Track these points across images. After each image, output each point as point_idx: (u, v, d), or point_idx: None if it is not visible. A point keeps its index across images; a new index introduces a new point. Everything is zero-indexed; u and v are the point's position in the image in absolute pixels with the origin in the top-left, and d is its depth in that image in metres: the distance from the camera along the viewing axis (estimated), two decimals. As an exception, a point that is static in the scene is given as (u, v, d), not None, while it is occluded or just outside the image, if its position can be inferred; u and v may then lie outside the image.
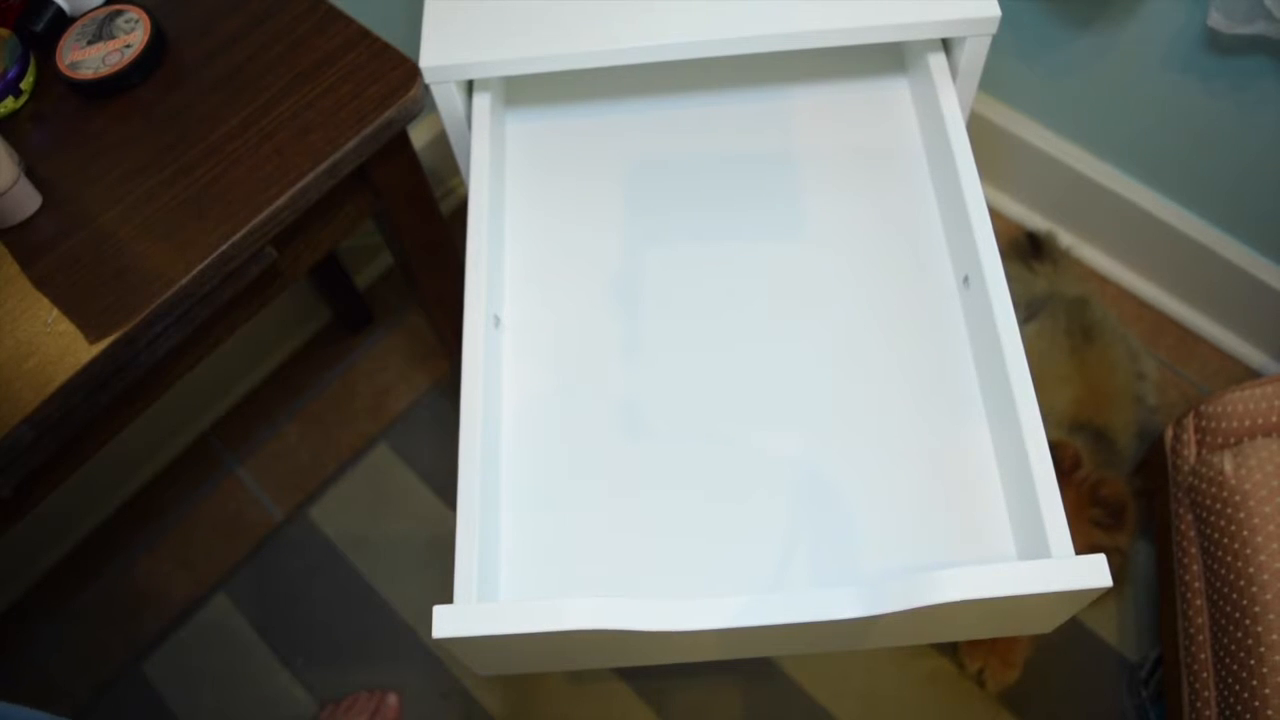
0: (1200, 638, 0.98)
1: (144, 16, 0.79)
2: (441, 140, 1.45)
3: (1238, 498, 0.92)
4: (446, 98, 0.82)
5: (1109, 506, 1.08)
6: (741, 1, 0.79)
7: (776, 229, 0.83)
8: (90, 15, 0.80)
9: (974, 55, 0.82)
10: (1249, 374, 1.36)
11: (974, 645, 1.18)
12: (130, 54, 0.78)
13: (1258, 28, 0.97)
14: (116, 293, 0.70)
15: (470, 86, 0.85)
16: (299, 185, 0.73)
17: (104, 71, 0.77)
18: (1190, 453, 1.03)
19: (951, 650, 1.22)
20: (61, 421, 0.71)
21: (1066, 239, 1.41)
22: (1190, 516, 1.02)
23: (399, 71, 0.77)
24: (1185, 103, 1.17)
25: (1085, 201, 1.38)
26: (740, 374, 0.77)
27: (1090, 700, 1.20)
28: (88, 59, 0.78)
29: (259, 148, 0.75)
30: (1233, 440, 0.99)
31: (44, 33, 0.79)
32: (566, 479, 0.73)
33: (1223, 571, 0.94)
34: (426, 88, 0.79)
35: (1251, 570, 0.89)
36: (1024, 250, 1.36)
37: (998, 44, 1.28)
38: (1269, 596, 0.87)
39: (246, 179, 0.74)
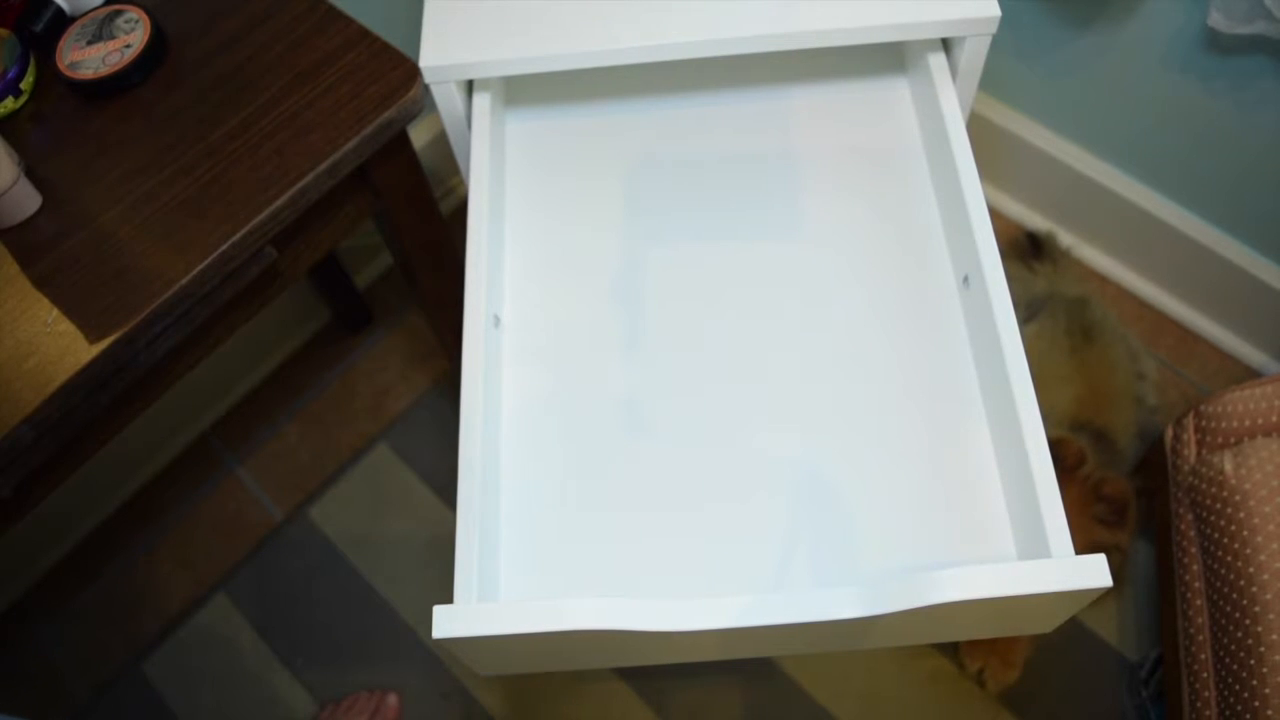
0: (1200, 638, 0.98)
1: (144, 16, 0.79)
2: (441, 140, 1.45)
3: (1238, 498, 0.92)
4: (446, 98, 0.82)
5: (1112, 503, 1.08)
6: (741, 1, 0.79)
7: (776, 229, 0.83)
8: (90, 15, 0.80)
9: (974, 55, 0.82)
10: (1249, 374, 1.36)
11: (974, 645, 1.18)
12: (130, 54, 0.78)
13: (1258, 28, 0.97)
14: (116, 293, 0.70)
15: (470, 86, 0.85)
16: (299, 185, 0.73)
17: (104, 71, 0.77)
18: (1190, 452, 1.03)
19: (951, 650, 1.22)
20: (61, 421, 0.71)
21: (1066, 239, 1.41)
22: (1190, 516, 1.02)
23: (399, 71, 0.77)
24: (1185, 103, 1.17)
25: (1085, 201, 1.38)
26: (740, 373, 0.77)
27: (1090, 700, 1.20)
28: (88, 59, 0.78)
29: (259, 148, 0.75)
30: (1233, 440, 0.99)
31: (44, 33, 0.79)
32: (566, 479, 0.73)
33: (1223, 571, 0.94)
34: (426, 88, 0.79)
35: (1251, 570, 0.89)
36: (1024, 250, 1.36)
37: (997, 44, 1.28)
38: (1269, 596, 0.87)
39: (246, 179, 0.74)
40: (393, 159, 0.83)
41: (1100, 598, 1.23)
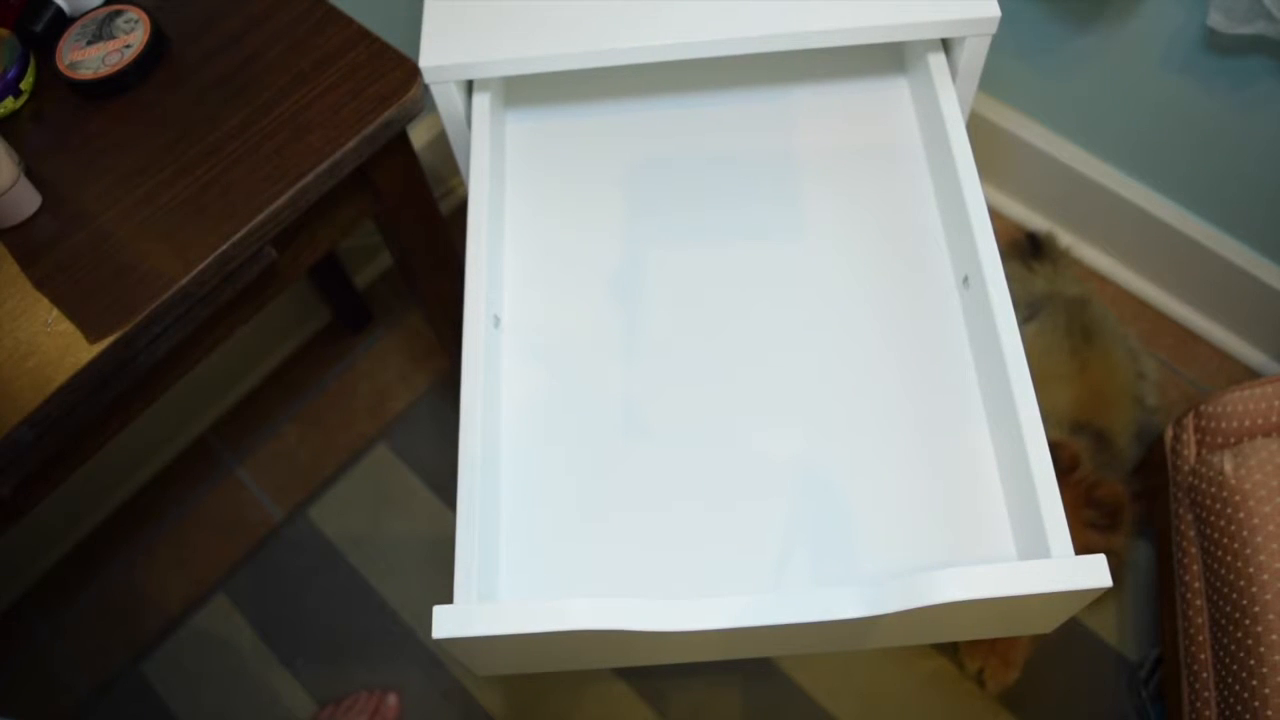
0: (1200, 638, 0.98)
1: (144, 16, 0.79)
2: (441, 140, 1.45)
3: (1238, 498, 0.92)
4: (446, 98, 0.82)
5: (1104, 508, 1.07)
6: (742, 1, 0.79)
7: (776, 229, 0.83)
8: (90, 15, 0.80)
9: (974, 55, 0.82)
10: (1249, 374, 1.36)
11: (974, 645, 1.18)
12: (130, 54, 0.78)
13: (1258, 28, 0.97)
14: (116, 293, 0.70)
15: (470, 86, 0.85)
16: (299, 185, 0.73)
17: (104, 71, 0.77)
18: (1190, 453, 1.03)
19: (951, 650, 1.22)
20: (61, 421, 0.71)
21: (1066, 239, 1.41)
22: (1190, 516, 1.02)
23: (399, 71, 0.77)
24: (1185, 103, 1.17)
25: (1085, 201, 1.38)
26: (740, 373, 0.77)
27: (1090, 700, 1.20)
28: (87, 59, 0.78)
29: (259, 148, 0.75)
30: (1233, 440, 0.99)
31: (44, 33, 0.79)
32: (566, 478, 0.73)
33: (1223, 571, 0.94)
34: (426, 88, 0.79)
35: (1251, 570, 0.89)
36: (1024, 250, 1.36)
37: (997, 44, 1.28)
38: (1269, 596, 0.87)
39: (246, 179, 0.74)
40: (393, 159, 0.83)
41: (1100, 598, 1.23)
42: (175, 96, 0.78)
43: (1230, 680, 0.91)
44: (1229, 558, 0.93)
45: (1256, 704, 0.86)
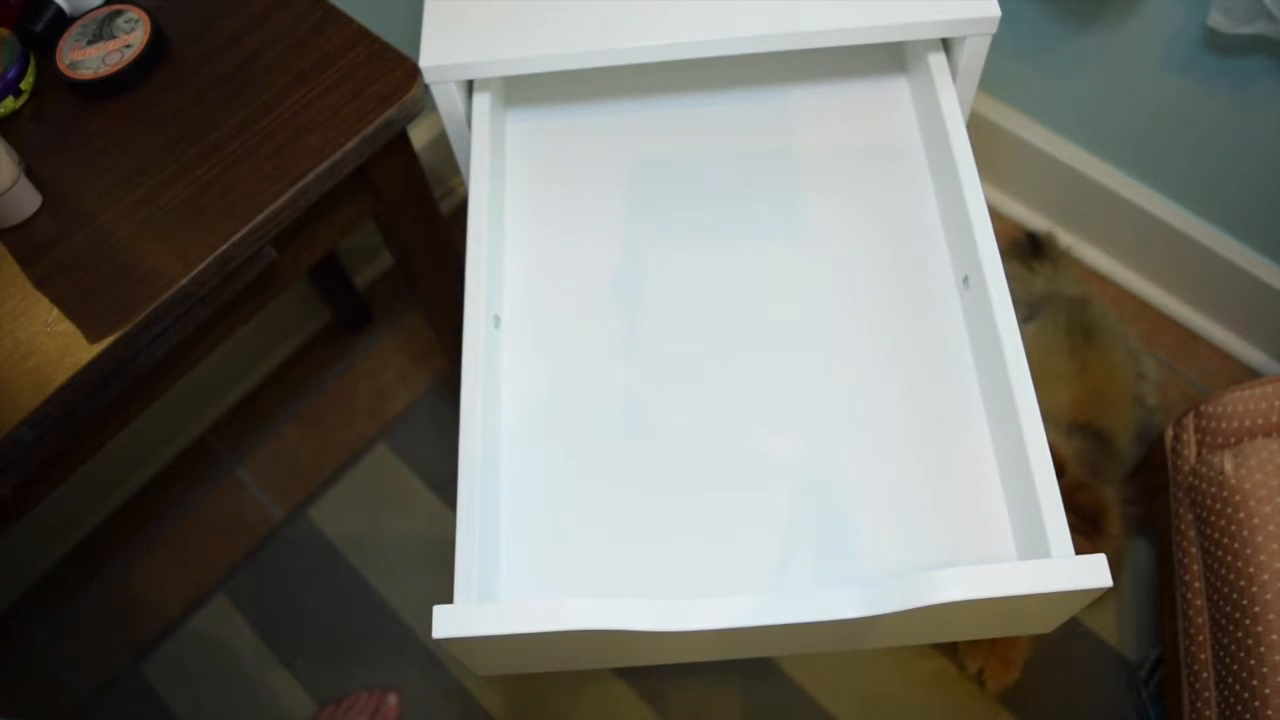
0: (1200, 638, 0.98)
1: (144, 16, 0.79)
2: (441, 140, 1.45)
3: (1238, 498, 0.92)
4: (446, 98, 0.82)
5: (1083, 513, 1.07)
6: (741, 1, 0.79)
7: (776, 229, 0.83)
8: (90, 15, 0.80)
9: (974, 55, 0.82)
10: (1249, 374, 1.36)
11: (974, 645, 1.18)
12: (130, 54, 0.78)
13: (1258, 28, 0.97)
14: (116, 293, 0.70)
15: (470, 86, 0.85)
16: (299, 185, 0.73)
17: (104, 71, 0.77)
18: (1190, 453, 1.03)
19: (951, 650, 1.22)
20: (61, 421, 0.71)
21: (1066, 239, 1.41)
22: (1190, 516, 1.02)
23: (399, 71, 0.77)
24: (1185, 103, 1.17)
25: (1085, 201, 1.38)
26: (739, 373, 0.77)
27: (1090, 700, 1.20)
28: (88, 59, 0.78)
29: (259, 148, 0.75)
30: (1233, 440, 0.99)
31: (44, 33, 0.79)
32: (566, 479, 0.73)
33: (1223, 571, 0.94)
34: (426, 88, 0.79)
35: (1251, 570, 0.89)
36: (1024, 250, 1.36)
37: (997, 44, 1.28)
38: (1269, 596, 0.87)
39: (246, 179, 0.74)
40: (393, 159, 0.83)
41: (1100, 598, 1.23)
42: (175, 96, 0.78)
43: (1230, 680, 0.91)
44: (1229, 558, 0.93)
45: (1257, 704, 0.86)
